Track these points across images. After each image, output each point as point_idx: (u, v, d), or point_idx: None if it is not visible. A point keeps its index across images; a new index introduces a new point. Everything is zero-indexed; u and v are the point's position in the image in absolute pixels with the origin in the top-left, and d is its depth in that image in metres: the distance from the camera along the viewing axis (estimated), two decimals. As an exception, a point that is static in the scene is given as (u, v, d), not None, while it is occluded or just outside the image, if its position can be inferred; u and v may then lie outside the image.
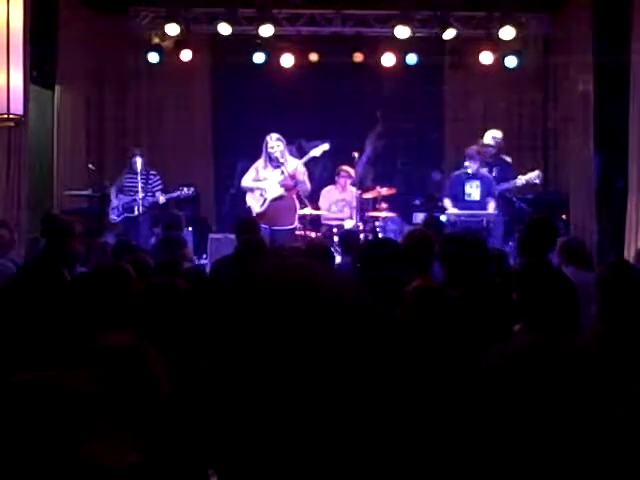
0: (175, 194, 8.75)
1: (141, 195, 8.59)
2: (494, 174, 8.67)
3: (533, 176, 8.62)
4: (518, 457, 2.52)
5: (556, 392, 2.69)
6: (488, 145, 8.83)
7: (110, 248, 6.00)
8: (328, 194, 9.27)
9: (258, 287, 1.01)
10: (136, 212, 8.60)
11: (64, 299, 2.86)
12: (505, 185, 8.62)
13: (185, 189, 8.73)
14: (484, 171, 8.55)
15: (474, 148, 8.62)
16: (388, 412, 0.96)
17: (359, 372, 0.95)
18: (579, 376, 2.76)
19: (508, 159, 9.16)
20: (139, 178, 8.59)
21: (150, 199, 8.64)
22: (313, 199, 8.97)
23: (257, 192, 8.27)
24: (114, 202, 8.75)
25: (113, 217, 8.76)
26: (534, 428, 2.59)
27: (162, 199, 8.65)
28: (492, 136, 8.93)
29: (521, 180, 8.61)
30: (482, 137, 9.03)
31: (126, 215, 8.67)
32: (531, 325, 2.96)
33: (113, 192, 8.78)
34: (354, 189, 9.02)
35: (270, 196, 8.19)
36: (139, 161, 8.59)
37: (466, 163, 8.45)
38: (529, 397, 2.68)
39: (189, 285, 3.73)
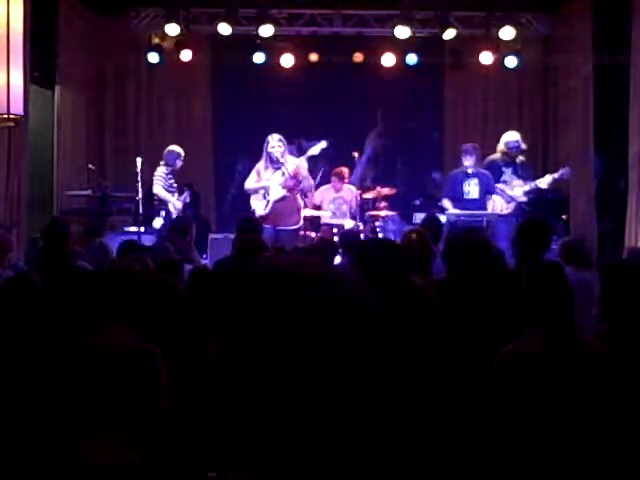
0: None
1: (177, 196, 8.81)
2: (519, 173, 8.55)
3: (565, 172, 8.52)
4: (529, 458, 2.53)
5: (567, 393, 2.69)
6: (513, 150, 8.54)
7: (107, 248, 5.98)
8: (323, 193, 9.24)
9: (251, 283, 1.01)
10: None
11: (61, 294, 2.86)
12: (535, 183, 8.49)
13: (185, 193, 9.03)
14: (482, 169, 8.49)
15: (470, 144, 8.57)
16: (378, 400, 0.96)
17: (346, 368, 0.95)
18: (586, 377, 2.76)
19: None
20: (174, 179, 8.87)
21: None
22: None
23: (260, 194, 8.25)
24: (179, 199, 8.75)
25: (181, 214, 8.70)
26: (546, 430, 2.60)
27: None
28: (513, 139, 8.58)
29: (553, 176, 8.51)
30: (498, 142, 8.70)
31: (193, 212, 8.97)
32: (538, 326, 2.97)
33: (163, 190, 8.70)
34: (353, 188, 9.00)
35: (273, 198, 8.18)
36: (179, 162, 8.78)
37: (466, 162, 8.38)
38: (543, 398, 2.68)
39: (190, 285, 3.73)
